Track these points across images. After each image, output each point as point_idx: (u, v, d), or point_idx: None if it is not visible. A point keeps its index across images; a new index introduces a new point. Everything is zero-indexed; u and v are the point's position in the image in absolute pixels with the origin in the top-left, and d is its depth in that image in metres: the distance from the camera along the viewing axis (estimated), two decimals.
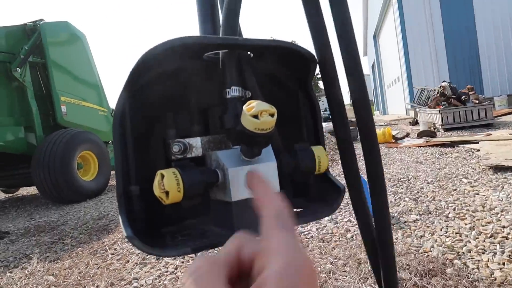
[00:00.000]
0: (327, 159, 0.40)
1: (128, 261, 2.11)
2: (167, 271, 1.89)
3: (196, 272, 0.24)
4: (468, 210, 2.19)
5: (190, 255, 2.08)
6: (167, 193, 0.33)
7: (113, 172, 5.86)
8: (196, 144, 0.39)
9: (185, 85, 0.41)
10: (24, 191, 6.33)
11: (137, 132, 0.38)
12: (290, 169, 0.39)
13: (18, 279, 2.03)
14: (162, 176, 0.33)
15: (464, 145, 4.59)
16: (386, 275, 0.45)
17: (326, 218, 2.39)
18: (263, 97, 0.37)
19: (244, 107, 0.30)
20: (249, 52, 0.40)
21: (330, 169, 0.45)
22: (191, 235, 0.39)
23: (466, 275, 1.45)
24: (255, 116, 0.29)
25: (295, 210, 0.45)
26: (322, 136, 0.44)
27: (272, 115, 0.30)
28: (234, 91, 0.38)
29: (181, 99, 0.41)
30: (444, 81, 8.64)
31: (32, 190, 6.11)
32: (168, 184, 0.32)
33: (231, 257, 0.26)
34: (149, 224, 0.39)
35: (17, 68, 4.34)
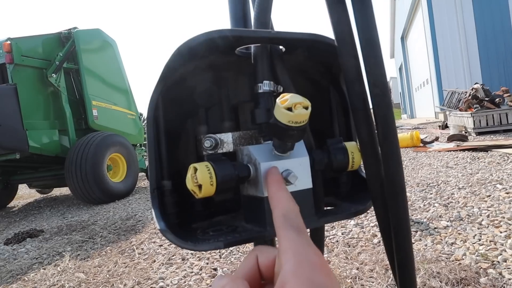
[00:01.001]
0: (360, 155, 0.39)
1: (155, 261, 2.16)
2: (192, 272, 1.92)
3: None
4: (504, 217, 2.07)
5: (222, 250, 2.10)
6: (200, 186, 0.33)
7: (141, 174, 6.03)
8: (227, 139, 0.39)
9: (216, 81, 0.42)
10: (57, 191, 6.62)
11: (169, 127, 0.39)
12: (323, 165, 0.39)
13: (51, 275, 2.12)
14: (195, 169, 0.33)
15: (499, 150, 4.35)
16: (403, 281, 0.42)
17: (352, 222, 2.34)
18: (295, 92, 0.37)
19: (278, 100, 0.30)
20: (280, 47, 0.40)
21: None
22: (222, 230, 0.39)
23: (502, 286, 1.37)
24: (289, 109, 0.29)
25: (326, 208, 0.44)
26: (355, 132, 0.43)
27: (306, 108, 0.29)
28: (266, 86, 0.38)
29: (213, 95, 0.42)
30: (476, 83, 8.27)
31: (65, 190, 6.39)
32: (201, 177, 0.32)
33: (250, 269, 0.29)
34: (181, 219, 0.40)
35: (53, 74, 4.55)
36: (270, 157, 0.35)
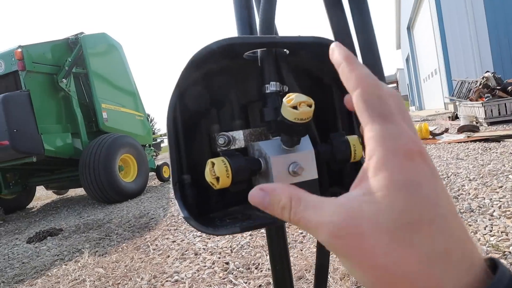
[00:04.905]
0: (361, 147, 0.43)
1: (169, 256, 2.22)
2: (205, 266, 1.97)
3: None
4: None
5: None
6: (217, 178, 0.37)
7: (151, 173, 6.13)
8: (239, 136, 0.43)
9: (227, 83, 0.46)
10: (72, 192, 6.78)
11: (186, 127, 0.43)
12: (327, 157, 0.42)
13: (73, 270, 2.21)
14: (213, 164, 0.37)
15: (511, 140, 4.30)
16: None
17: None
18: (300, 91, 0.41)
19: (284, 99, 0.33)
20: (285, 49, 0.44)
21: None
22: (238, 218, 0.43)
23: None
24: (294, 107, 0.33)
25: (331, 197, 0.48)
26: (356, 126, 0.46)
27: (310, 106, 0.33)
28: (272, 86, 0.41)
29: (224, 96, 0.46)
30: (487, 71, 8.10)
31: (79, 191, 6.53)
32: (218, 171, 0.36)
33: None
34: (200, 210, 0.44)
35: (63, 79, 4.67)
36: (279, 151, 0.38)
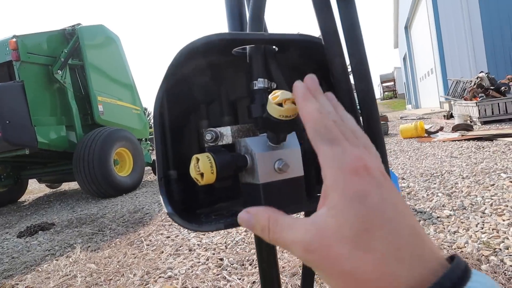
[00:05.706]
0: None
1: (163, 252, 2.22)
2: (199, 262, 1.97)
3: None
4: (507, 205, 2.09)
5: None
6: (202, 174, 0.37)
7: (147, 168, 6.10)
8: (226, 132, 0.43)
9: (216, 79, 0.45)
10: (66, 186, 6.73)
11: (174, 122, 0.43)
12: (313, 155, 0.42)
13: (64, 266, 2.20)
14: (197, 159, 0.37)
15: (504, 139, 4.34)
16: None
17: None
18: (288, 88, 0.41)
19: (270, 96, 0.33)
20: (274, 46, 0.43)
21: None
22: (223, 215, 0.43)
23: (503, 272, 1.40)
24: (280, 104, 0.32)
25: (318, 194, 0.48)
26: None
27: (295, 103, 0.33)
28: (260, 83, 0.41)
29: (213, 92, 0.45)
30: (481, 71, 8.17)
31: (73, 185, 6.49)
32: (202, 166, 0.36)
33: None
34: (186, 205, 0.44)
35: (58, 71, 4.60)
36: (265, 148, 0.38)
